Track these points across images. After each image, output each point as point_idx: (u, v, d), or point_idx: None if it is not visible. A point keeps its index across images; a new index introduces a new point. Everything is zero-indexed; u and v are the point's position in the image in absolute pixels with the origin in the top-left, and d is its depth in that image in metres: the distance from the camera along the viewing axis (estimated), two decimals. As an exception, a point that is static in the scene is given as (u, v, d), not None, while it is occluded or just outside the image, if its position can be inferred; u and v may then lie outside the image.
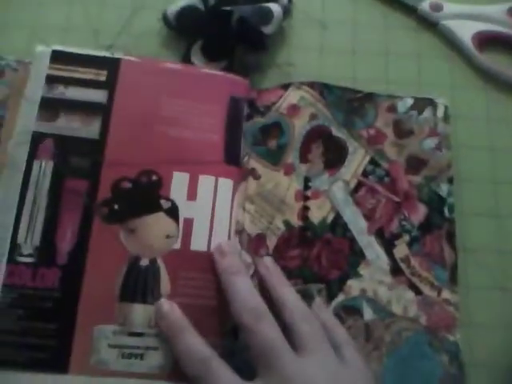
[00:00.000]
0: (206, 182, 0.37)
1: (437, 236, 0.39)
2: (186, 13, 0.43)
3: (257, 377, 0.30)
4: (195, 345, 0.31)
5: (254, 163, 0.40)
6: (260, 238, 0.38)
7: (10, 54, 0.42)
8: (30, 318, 0.33)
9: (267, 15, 0.42)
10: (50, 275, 0.34)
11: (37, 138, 0.37)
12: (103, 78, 0.39)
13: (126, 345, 0.34)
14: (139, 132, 0.38)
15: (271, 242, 0.38)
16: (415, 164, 0.41)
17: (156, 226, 0.36)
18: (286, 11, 0.45)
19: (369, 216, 0.39)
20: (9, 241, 0.34)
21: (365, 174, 0.41)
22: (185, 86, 0.40)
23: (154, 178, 0.37)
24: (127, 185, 0.36)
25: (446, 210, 0.40)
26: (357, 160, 0.41)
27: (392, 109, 0.43)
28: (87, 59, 0.39)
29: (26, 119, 0.37)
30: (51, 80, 0.38)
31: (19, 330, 0.33)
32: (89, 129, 0.37)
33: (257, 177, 0.40)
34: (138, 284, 0.35)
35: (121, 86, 0.39)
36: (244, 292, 0.32)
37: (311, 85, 0.43)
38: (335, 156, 0.41)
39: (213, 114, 0.39)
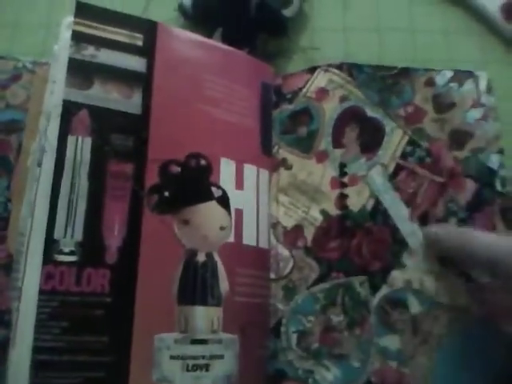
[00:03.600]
0: (250, 171, 0.35)
1: (488, 213, 0.36)
2: (202, 1, 0.41)
3: None
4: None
5: (284, 153, 0.38)
6: (297, 230, 0.36)
7: (24, 54, 0.40)
8: (76, 330, 0.28)
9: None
10: (98, 277, 0.29)
11: (69, 108, 0.31)
12: (140, 43, 0.34)
13: (190, 355, 0.30)
14: (183, 109, 0.34)
15: (309, 233, 0.36)
16: (459, 138, 0.38)
17: (210, 215, 0.33)
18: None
19: (410, 201, 0.37)
20: (43, 237, 0.28)
21: (404, 156, 0.38)
22: (223, 65, 0.37)
23: (203, 162, 0.33)
24: (176, 169, 0.32)
25: (497, 184, 0.37)
26: (394, 141, 0.38)
27: (430, 83, 0.40)
28: (119, 18, 0.34)
29: (59, 86, 0.31)
30: (79, 38, 0.32)
31: (65, 347, 0.27)
32: (129, 101, 0.32)
33: (288, 167, 0.38)
34: (197, 283, 0.31)
35: (160, 55, 0.34)
36: None
37: (339, 66, 0.40)
38: (371, 138, 0.39)
39: (249, 99, 0.37)
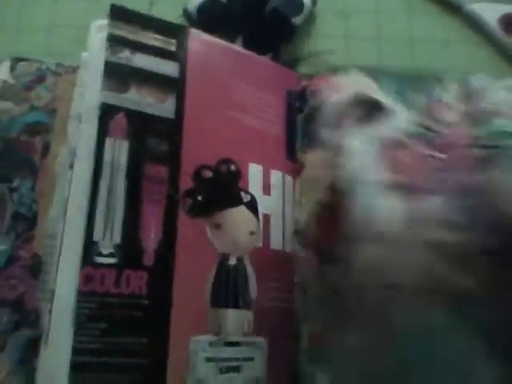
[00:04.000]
0: (276, 177, 0.36)
1: None
2: (207, 6, 0.42)
3: None
4: None
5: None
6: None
7: (25, 55, 0.40)
8: (115, 331, 0.28)
9: (299, 5, 0.42)
10: (136, 279, 0.29)
11: (107, 111, 0.31)
12: (173, 48, 0.34)
13: (223, 357, 0.30)
14: (213, 115, 0.35)
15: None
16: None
17: (240, 220, 0.34)
18: (314, 1, 0.44)
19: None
20: (80, 239, 0.29)
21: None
22: (252, 72, 0.38)
23: (233, 168, 0.34)
24: (208, 174, 0.33)
25: None
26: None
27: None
28: (152, 22, 0.35)
29: (91, 89, 0.32)
30: (114, 40, 0.33)
31: (103, 348, 0.27)
32: (163, 106, 0.33)
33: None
34: (229, 286, 0.32)
35: (191, 60, 0.35)
36: None
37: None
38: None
39: (276, 106, 0.38)
